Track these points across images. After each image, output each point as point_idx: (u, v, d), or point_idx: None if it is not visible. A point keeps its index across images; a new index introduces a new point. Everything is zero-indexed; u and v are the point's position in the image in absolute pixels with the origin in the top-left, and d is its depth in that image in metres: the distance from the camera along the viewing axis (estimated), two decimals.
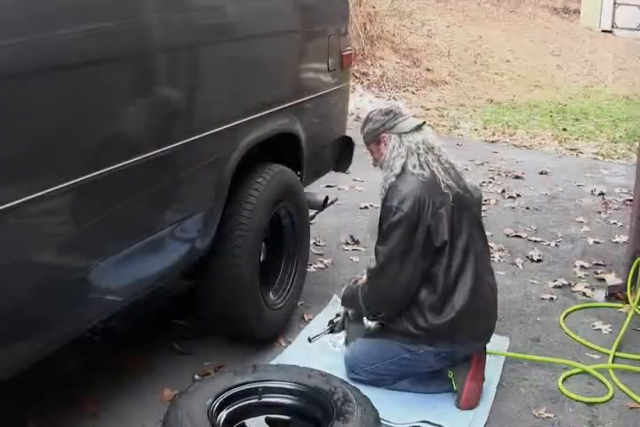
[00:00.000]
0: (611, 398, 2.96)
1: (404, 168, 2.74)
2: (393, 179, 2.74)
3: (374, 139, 2.86)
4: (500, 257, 4.38)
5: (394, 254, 2.69)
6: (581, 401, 2.93)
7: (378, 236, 2.78)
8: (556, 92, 11.21)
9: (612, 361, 3.23)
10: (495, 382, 3.00)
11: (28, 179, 1.94)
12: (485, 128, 8.42)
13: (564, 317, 3.65)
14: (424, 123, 2.86)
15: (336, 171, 4.12)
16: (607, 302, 3.86)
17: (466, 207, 2.79)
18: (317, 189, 5.04)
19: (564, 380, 3.06)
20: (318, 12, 3.59)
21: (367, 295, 2.81)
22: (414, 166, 2.73)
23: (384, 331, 2.86)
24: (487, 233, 4.66)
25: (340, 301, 3.61)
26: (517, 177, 6.21)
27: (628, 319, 3.54)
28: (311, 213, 3.68)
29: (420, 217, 2.66)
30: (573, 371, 3.12)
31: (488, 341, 2.90)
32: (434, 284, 2.71)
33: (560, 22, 17.65)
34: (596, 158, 7.21)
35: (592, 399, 2.94)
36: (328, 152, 3.87)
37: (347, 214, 4.98)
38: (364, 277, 2.91)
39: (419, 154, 2.75)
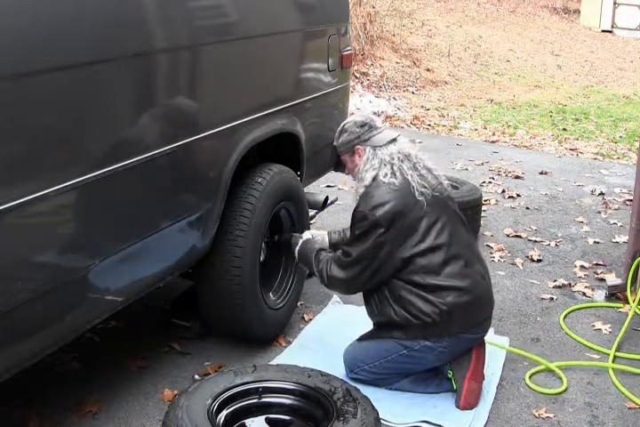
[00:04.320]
0: (565, 391, 2.99)
1: (375, 178, 2.79)
2: (362, 189, 2.81)
3: (348, 150, 2.93)
4: (500, 257, 4.39)
5: (365, 255, 2.74)
6: (541, 392, 2.96)
7: (349, 237, 2.84)
8: (556, 92, 11.21)
9: (612, 361, 3.23)
10: (495, 382, 3.00)
11: (28, 179, 1.94)
12: (485, 128, 8.42)
13: (564, 317, 3.65)
14: (398, 136, 2.93)
15: (336, 171, 4.12)
16: (607, 302, 3.87)
17: (444, 207, 2.85)
18: (317, 189, 5.05)
19: (531, 376, 3.08)
20: (318, 12, 3.60)
21: (332, 277, 2.85)
22: (385, 175, 2.79)
23: (381, 330, 2.86)
24: (487, 233, 4.74)
25: (340, 302, 3.63)
26: (517, 177, 6.22)
27: (628, 319, 3.54)
28: (311, 213, 3.68)
29: (392, 221, 2.70)
30: (539, 368, 3.13)
31: (485, 332, 2.89)
32: (419, 278, 2.73)
33: (560, 22, 17.67)
34: (595, 158, 7.21)
35: (551, 391, 2.97)
36: (328, 152, 3.87)
37: (347, 214, 4.97)
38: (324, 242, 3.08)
39: (392, 164, 2.81)
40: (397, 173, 2.78)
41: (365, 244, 2.73)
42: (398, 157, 2.82)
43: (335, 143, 2.99)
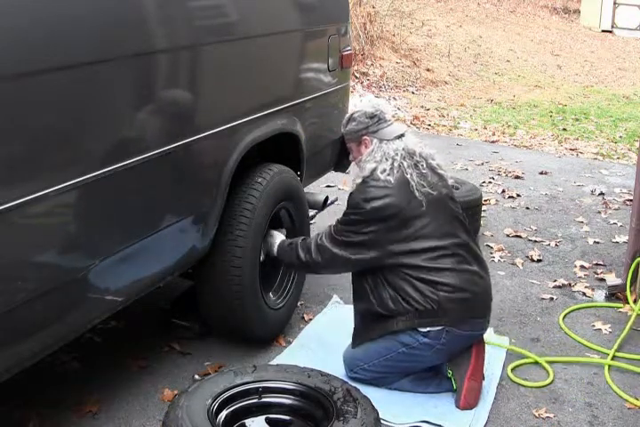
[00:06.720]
0: (551, 382, 3.02)
1: (372, 172, 2.80)
2: (359, 180, 2.84)
3: (355, 139, 2.95)
4: (500, 257, 4.39)
5: (353, 240, 2.77)
6: (523, 385, 3.01)
7: (341, 217, 2.85)
8: (556, 92, 11.21)
9: (611, 361, 3.22)
10: (495, 382, 3.00)
11: (28, 179, 1.94)
12: (485, 128, 8.42)
13: (564, 317, 3.65)
14: (406, 131, 2.93)
15: (336, 171, 4.12)
16: (607, 302, 3.87)
17: (442, 206, 2.85)
18: (317, 189, 5.06)
19: (513, 369, 3.11)
20: (318, 12, 3.60)
21: (322, 246, 2.84)
22: (383, 171, 2.79)
23: (375, 325, 2.86)
24: (487, 233, 4.74)
25: (340, 302, 3.63)
26: (517, 177, 6.22)
27: (631, 320, 3.52)
28: (311, 213, 3.68)
29: (383, 217, 2.72)
30: (526, 360, 3.18)
31: (483, 330, 2.88)
32: (410, 271, 2.73)
33: (560, 22, 17.67)
34: (595, 158, 7.21)
35: (534, 384, 3.01)
36: (328, 152, 3.87)
37: None
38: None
39: (394, 160, 2.81)
40: (395, 171, 2.78)
41: (354, 228, 2.76)
42: (401, 154, 2.82)
43: (342, 130, 3.00)
